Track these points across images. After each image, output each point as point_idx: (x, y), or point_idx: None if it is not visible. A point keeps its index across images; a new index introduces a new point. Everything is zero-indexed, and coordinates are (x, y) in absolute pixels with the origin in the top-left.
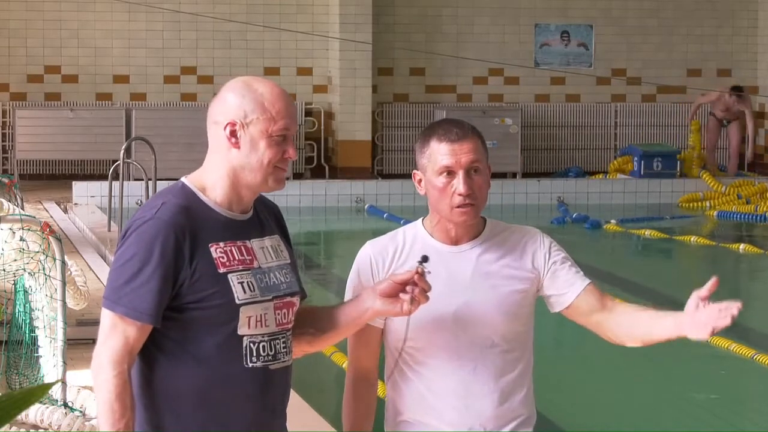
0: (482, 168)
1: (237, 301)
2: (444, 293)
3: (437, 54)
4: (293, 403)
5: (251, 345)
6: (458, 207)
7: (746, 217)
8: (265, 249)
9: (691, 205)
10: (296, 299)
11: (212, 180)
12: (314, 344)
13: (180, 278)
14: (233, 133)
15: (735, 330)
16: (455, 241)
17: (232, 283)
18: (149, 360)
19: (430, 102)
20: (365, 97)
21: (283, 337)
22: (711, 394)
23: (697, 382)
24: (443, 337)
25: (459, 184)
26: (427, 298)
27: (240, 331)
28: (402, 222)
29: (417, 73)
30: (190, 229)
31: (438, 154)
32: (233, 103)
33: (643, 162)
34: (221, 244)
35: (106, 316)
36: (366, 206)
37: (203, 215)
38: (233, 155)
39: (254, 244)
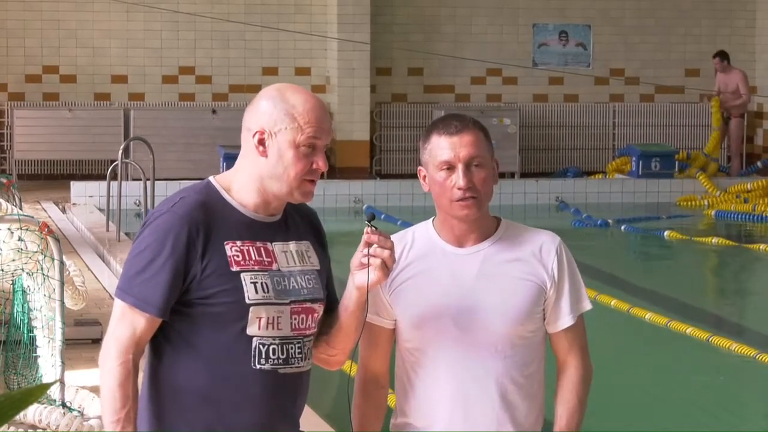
0: (484, 162)
1: (247, 301)
2: (446, 295)
3: (435, 54)
4: None
5: (261, 346)
6: (458, 201)
7: (745, 216)
8: (289, 253)
9: (690, 203)
10: (318, 306)
11: (240, 182)
12: (331, 343)
13: (190, 273)
14: (261, 142)
15: (736, 330)
16: (461, 240)
17: (244, 282)
18: (158, 352)
19: (428, 102)
20: (363, 97)
21: (298, 343)
22: (711, 394)
23: (697, 383)
24: (444, 341)
25: (458, 178)
26: (387, 252)
27: (249, 331)
28: (399, 223)
29: (415, 73)
30: (205, 224)
31: (438, 148)
32: (264, 110)
33: (641, 162)
34: (238, 243)
35: (117, 306)
36: (364, 207)
37: (222, 213)
38: (261, 163)
39: (276, 246)
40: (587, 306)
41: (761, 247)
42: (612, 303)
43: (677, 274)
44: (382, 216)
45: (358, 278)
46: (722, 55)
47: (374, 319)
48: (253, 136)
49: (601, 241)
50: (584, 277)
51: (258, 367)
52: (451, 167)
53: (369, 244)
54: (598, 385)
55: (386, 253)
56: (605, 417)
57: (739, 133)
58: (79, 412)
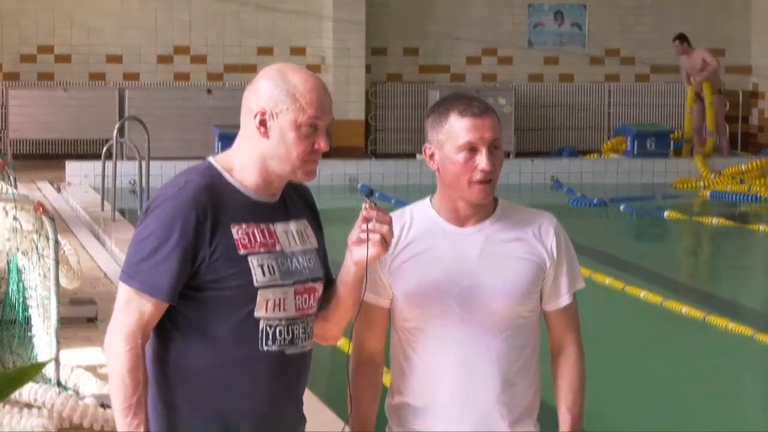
0: (500, 145)
1: (255, 284)
2: (449, 274)
3: (431, 34)
4: None
5: (267, 328)
6: (478, 183)
7: (740, 197)
8: (289, 233)
9: (686, 185)
10: (318, 285)
11: (241, 162)
12: (328, 318)
13: (199, 257)
14: (263, 123)
15: (733, 309)
16: (463, 221)
17: (251, 266)
18: (164, 337)
19: (423, 82)
20: (359, 77)
21: (302, 323)
22: (707, 373)
23: (692, 362)
24: (446, 319)
25: (483, 160)
26: (386, 227)
27: (257, 314)
28: (393, 202)
29: (410, 53)
30: (212, 208)
31: (460, 129)
32: (265, 91)
33: (636, 142)
34: (243, 226)
35: (122, 290)
36: (359, 185)
37: (227, 196)
38: (263, 144)
39: (278, 227)
40: (581, 284)
41: (761, 227)
42: (607, 281)
43: (675, 253)
44: (377, 195)
45: (356, 253)
46: (681, 38)
47: (371, 298)
48: (255, 116)
49: (598, 220)
50: (581, 255)
51: (265, 349)
52: (473, 148)
53: (368, 220)
54: (591, 363)
55: (385, 228)
56: (598, 396)
57: (721, 111)
58: (74, 390)
